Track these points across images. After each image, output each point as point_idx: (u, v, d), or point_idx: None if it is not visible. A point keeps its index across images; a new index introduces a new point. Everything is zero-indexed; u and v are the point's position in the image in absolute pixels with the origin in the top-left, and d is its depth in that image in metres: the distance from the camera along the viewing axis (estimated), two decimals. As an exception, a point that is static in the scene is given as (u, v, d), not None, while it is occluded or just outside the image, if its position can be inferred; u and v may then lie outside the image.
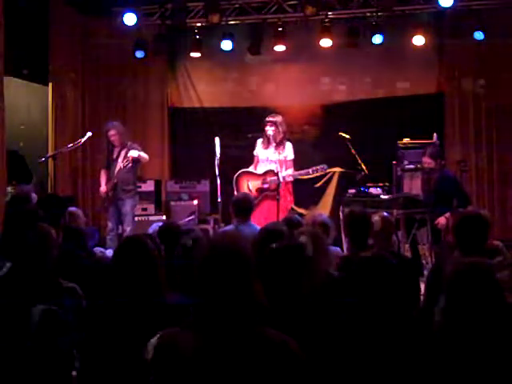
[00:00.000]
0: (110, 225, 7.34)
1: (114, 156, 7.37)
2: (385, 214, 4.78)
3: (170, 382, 1.94)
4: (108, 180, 7.40)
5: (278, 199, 6.92)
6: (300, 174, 7.39)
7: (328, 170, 8.20)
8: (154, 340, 2.02)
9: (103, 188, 7.38)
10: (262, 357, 1.91)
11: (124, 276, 2.80)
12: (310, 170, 7.29)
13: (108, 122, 7.70)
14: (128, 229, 7.26)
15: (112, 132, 7.32)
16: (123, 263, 2.84)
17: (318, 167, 7.27)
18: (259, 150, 7.54)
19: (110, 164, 7.43)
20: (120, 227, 7.41)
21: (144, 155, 7.31)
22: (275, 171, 7.17)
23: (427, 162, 7.01)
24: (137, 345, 2.52)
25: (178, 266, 3.47)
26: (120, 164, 7.22)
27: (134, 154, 7.13)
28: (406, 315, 2.76)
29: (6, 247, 3.52)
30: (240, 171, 7.58)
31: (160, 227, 4.38)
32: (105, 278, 3.11)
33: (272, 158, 7.40)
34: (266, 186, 7.38)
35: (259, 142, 7.56)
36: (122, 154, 7.29)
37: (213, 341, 1.92)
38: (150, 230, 4.87)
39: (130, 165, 7.20)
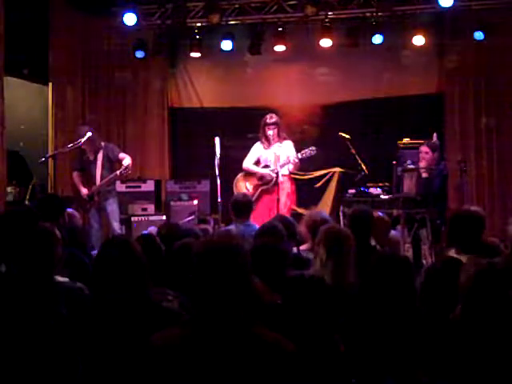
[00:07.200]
0: (95, 226, 7.36)
1: (91, 158, 7.39)
2: (379, 213, 4.78)
3: (166, 381, 1.93)
4: (87, 182, 7.42)
5: (278, 199, 6.93)
6: (288, 163, 7.35)
7: (328, 170, 8.20)
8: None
9: (85, 191, 7.37)
10: (256, 356, 1.90)
11: (107, 275, 2.79)
12: (299, 154, 7.27)
13: (80, 126, 7.73)
14: (116, 225, 7.39)
15: (83, 140, 7.17)
16: (106, 263, 2.83)
17: (306, 150, 7.23)
18: (261, 151, 7.53)
19: (84, 166, 7.46)
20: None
21: (127, 157, 7.37)
22: (270, 167, 7.33)
23: (424, 150, 7.06)
24: (125, 345, 2.52)
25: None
26: (116, 172, 7.23)
27: (127, 162, 7.21)
28: (399, 315, 2.75)
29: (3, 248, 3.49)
30: (238, 175, 7.62)
31: (159, 228, 4.39)
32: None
33: (271, 159, 7.42)
34: (261, 180, 7.41)
35: (258, 144, 7.55)
36: (100, 156, 7.34)
37: (208, 340, 1.92)
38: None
39: (130, 172, 7.36)
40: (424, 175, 7.13)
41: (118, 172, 7.23)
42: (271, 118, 7.40)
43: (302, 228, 4.48)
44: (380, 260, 2.83)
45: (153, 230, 4.65)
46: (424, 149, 7.09)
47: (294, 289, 3.06)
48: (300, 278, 3.24)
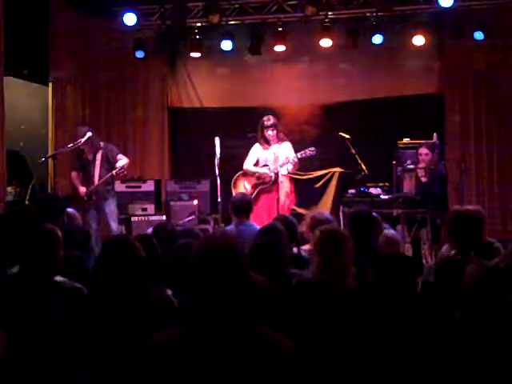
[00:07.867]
0: (94, 226, 7.35)
1: (90, 158, 7.36)
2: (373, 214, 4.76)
3: (167, 380, 1.93)
4: (86, 182, 7.39)
5: (278, 198, 6.92)
6: (287, 163, 7.34)
7: (328, 170, 8.19)
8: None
9: (83, 189, 7.34)
10: (256, 355, 1.90)
11: (108, 275, 2.79)
12: (298, 154, 7.25)
13: (80, 127, 7.69)
14: (114, 225, 7.37)
15: (83, 140, 7.13)
16: (107, 263, 2.83)
17: (306, 150, 7.21)
18: (260, 152, 7.53)
19: (83, 166, 7.43)
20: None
21: (124, 158, 7.35)
22: (269, 166, 7.32)
23: (424, 152, 7.04)
24: (125, 344, 2.52)
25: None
26: (112, 172, 7.22)
27: (123, 162, 7.18)
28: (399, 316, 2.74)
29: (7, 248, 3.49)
30: (237, 174, 7.61)
31: (154, 228, 4.39)
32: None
33: (270, 159, 7.42)
34: (259, 180, 7.41)
35: (257, 145, 7.54)
36: (98, 156, 7.32)
37: (208, 339, 1.92)
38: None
39: (126, 172, 7.35)
40: (423, 180, 7.12)
41: (113, 172, 7.22)
42: (268, 120, 7.38)
43: (304, 228, 4.47)
44: (384, 260, 2.82)
45: (151, 230, 4.65)
46: (424, 150, 7.07)
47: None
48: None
